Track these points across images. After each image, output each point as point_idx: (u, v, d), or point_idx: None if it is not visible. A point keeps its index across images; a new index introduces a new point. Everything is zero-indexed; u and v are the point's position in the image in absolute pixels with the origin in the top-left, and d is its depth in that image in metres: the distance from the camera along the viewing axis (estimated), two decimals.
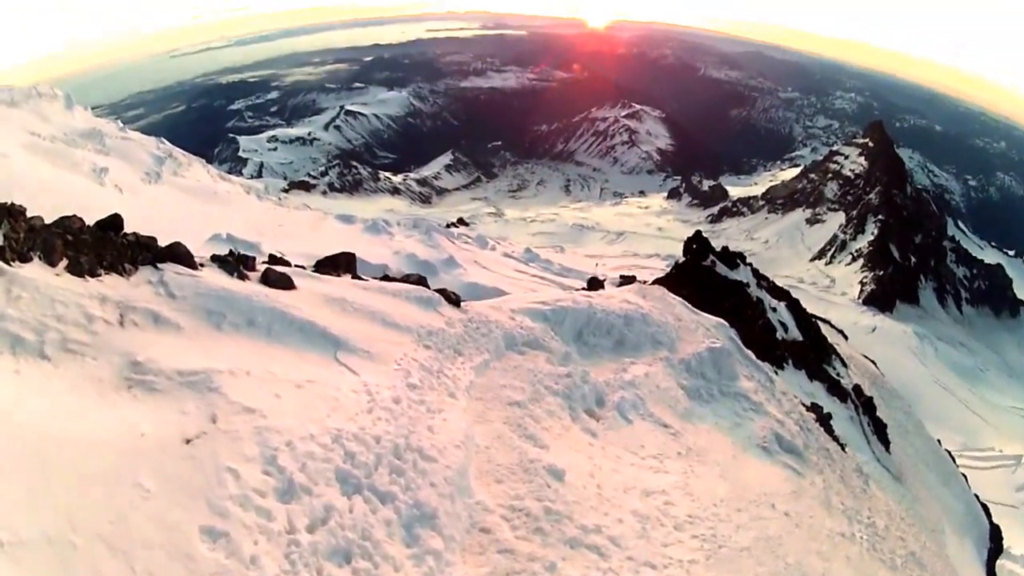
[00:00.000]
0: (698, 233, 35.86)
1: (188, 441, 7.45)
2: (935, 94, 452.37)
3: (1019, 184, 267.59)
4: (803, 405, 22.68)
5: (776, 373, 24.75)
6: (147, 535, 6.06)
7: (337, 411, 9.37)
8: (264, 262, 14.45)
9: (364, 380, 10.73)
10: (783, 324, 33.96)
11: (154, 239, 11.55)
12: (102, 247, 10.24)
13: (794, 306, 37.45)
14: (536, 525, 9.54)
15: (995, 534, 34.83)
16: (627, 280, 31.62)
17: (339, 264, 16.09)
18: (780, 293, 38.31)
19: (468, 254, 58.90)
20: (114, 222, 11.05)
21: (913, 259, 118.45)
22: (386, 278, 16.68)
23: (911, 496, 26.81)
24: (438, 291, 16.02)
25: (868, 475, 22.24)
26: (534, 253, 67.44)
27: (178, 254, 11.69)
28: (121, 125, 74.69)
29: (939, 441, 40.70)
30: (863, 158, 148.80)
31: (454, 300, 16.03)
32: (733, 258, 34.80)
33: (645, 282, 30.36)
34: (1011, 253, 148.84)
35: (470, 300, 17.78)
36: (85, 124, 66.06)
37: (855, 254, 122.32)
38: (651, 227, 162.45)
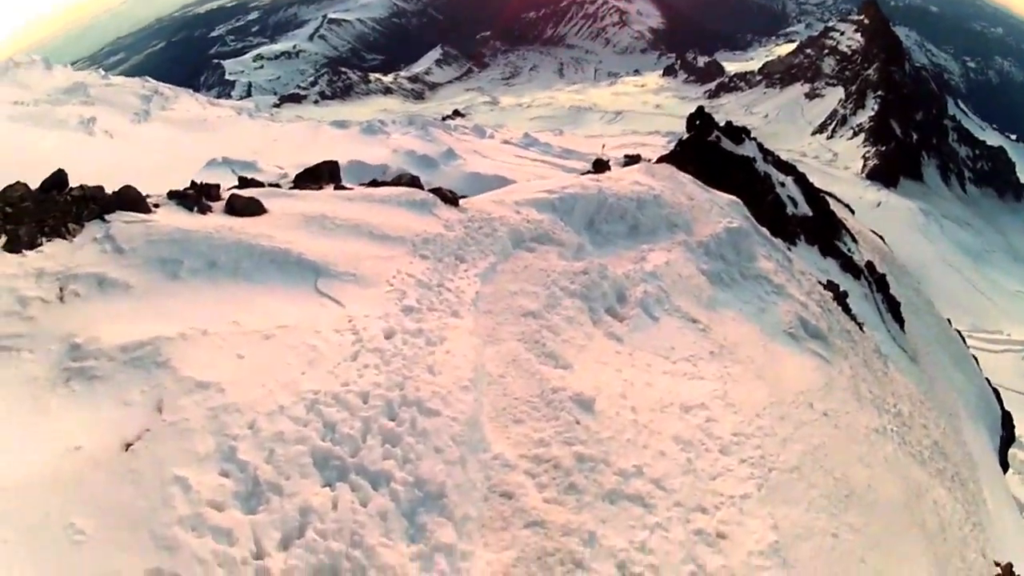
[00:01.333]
0: (700, 108, 33.25)
1: (128, 446, 5.84)
2: None
3: (1019, 70, 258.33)
4: (820, 284, 21.20)
5: (789, 250, 23.19)
6: None
7: (314, 365, 7.48)
8: (233, 187, 12.27)
9: (349, 313, 8.81)
10: (792, 199, 32.01)
11: (101, 188, 9.79)
12: (44, 211, 8.89)
13: (801, 180, 35.31)
14: (568, 480, 7.66)
15: (1007, 421, 33.12)
16: (632, 160, 29.10)
17: (320, 175, 13.88)
18: (786, 167, 36.06)
19: (467, 145, 57.37)
20: (58, 179, 9.56)
21: (915, 136, 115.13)
22: (374, 183, 14.46)
23: (927, 378, 25.17)
24: (433, 191, 13.84)
25: (887, 356, 21.04)
26: (533, 138, 65.09)
27: (128, 200, 9.78)
28: (103, 73, 73.93)
29: (949, 321, 38.45)
30: (859, 35, 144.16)
31: (451, 199, 13.84)
32: (738, 133, 32.37)
33: (650, 160, 28.11)
34: (1013, 137, 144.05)
35: (470, 196, 15.63)
36: (67, 81, 65.63)
37: (856, 129, 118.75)
38: (648, 105, 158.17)
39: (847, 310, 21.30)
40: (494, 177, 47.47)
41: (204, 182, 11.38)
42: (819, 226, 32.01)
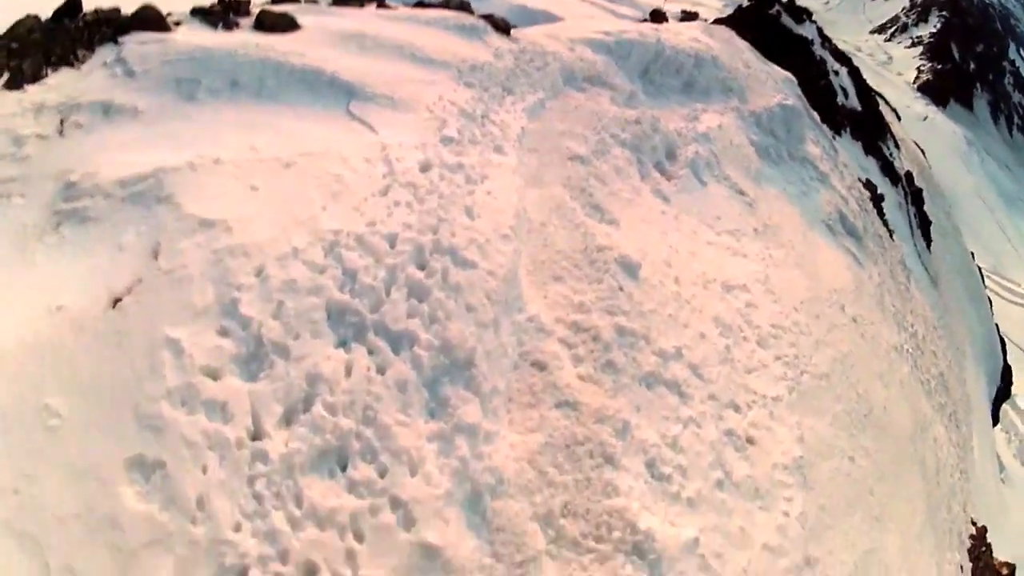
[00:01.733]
0: None
1: (117, 302, 5.03)
2: None
3: None
4: (860, 181, 20.05)
5: (835, 139, 21.49)
6: (58, 501, 4.07)
7: (338, 199, 6.51)
8: (265, 1, 10.86)
9: (383, 140, 7.76)
10: (844, 90, 29.66)
11: (117, 10, 8.73)
12: (53, 41, 8.01)
13: (855, 74, 32.69)
14: (606, 356, 6.76)
15: (1006, 373, 31.17)
16: (689, 16, 26.84)
17: None
18: (842, 58, 33.37)
19: None
20: (71, 5, 8.59)
21: (972, 65, 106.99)
22: (420, 4, 12.86)
23: (943, 304, 23.73)
24: (484, 17, 12.39)
25: (911, 271, 19.94)
26: None
27: (145, 19, 8.68)
28: None
29: (972, 255, 35.87)
30: None
31: (503, 27, 12.41)
32: (800, 12, 29.98)
33: (706, 20, 26.11)
34: None
35: (521, 28, 14.10)
36: None
37: (915, 40, 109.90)
38: None
39: (881, 214, 20.28)
40: (541, 12, 44.08)
41: None
42: (866, 123, 29.92)
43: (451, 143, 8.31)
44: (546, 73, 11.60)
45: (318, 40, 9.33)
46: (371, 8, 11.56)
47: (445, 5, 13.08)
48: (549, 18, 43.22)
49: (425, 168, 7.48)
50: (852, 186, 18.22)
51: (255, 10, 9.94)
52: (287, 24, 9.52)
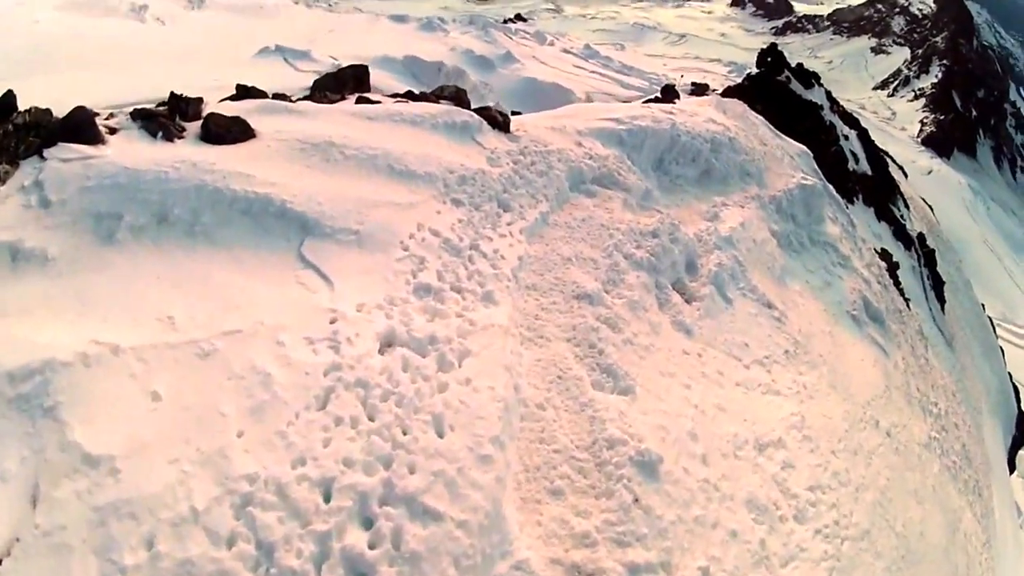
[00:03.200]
0: (774, 45, 30.33)
1: None
2: None
3: None
4: (875, 252, 18.99)
5: (848, 206, 20.40)
6: None
7: (261, 417, 4.78)
8: (226, 98, 9.29)
9: (336, 299, 6.02)
10: (854, 154, 28.96)
11: (48, 112, 7.38)
12: None
13: (864, 136, 32.21)
14: None
15: (1021, 422, 29.63)
16: (700, 89, 25.46)
17: (343, 82, 10.81)
18: (851, 120, 33.03)
19: (526, 49, 52.99)
20: (4, 104, 7.41)
21: (974, 112, 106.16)
22: (410, 96, 11.19)
23: (959, 366, 22.47)
24: (479, 111, 10.66)
25: (928, 339, 18.86)
26: (594, 50, 60.23)
27: (75, 126, 7.16)
28: None
29: (982, 306, 34.66)
30: (931, 0, 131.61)
31: (501, 123, 10.62)
32: (808, 77, 29.34)
33: (716, 91, 24.81)
34: None
35: (524, 108, 12.47)
36: None
37: (917, 92, 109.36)
38: (713, 32, 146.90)
39: (897, 284, 19.20)
40: (551, 85, 43.93)
41: (184, 95, 8.33)
42: (877, 187, 29.08)
43: (427, 295, 6.56)
44: (550, 179, 9.87)
45: (273, 153, 7.63)
46: (348, 103, 9.89)
47: (438, 95, 11.48)
48: (559, 90, 42.63)
49: (387, 345, 5.68)
50: (871, 263, 17.09)
51: (210, 108, 8.29)
52: (239, 131, 7.81)
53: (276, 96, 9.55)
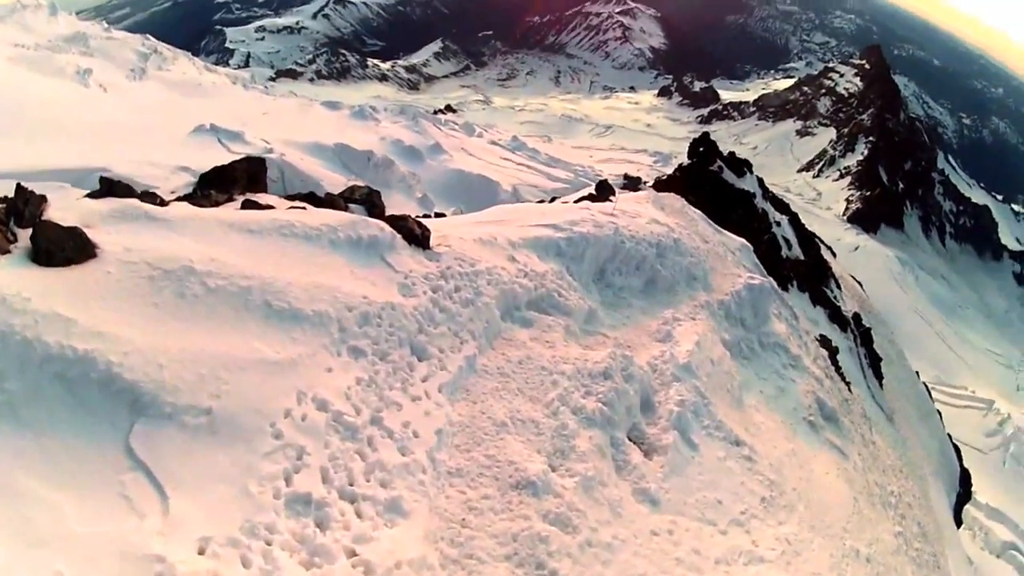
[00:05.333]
0: (705, 135, 28.84)
1: None
2: (935, 29, 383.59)
3: (1014, 132, 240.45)
4: (816, 340, 17.68)
5: (785, 293, 19.31)
6: None
7: None
8: (87, 195, 6.94)
9: (166, 546, 3.69)
10: (786, 240, 28.17)
11: None
12: None
13: (795, 221, 31.54)
14: None
15: (964, 478, 29.86)
16: (632, 183, 23.96)
17: (234, 178, 8.49)
18: (782, 206, 32.18)
19: (455, 141, 52.13)
20: None
21: (901, 185, 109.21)
22: (311, 199, 8.89)
23: (901, 438, 21.95)
24: (393, 222, 8.39)
25: (870, 419, 17.80)
26: (521, 142, 59.66)
27: None
28: (106, 26, 69.04)
29: (917, 373, 34.63)
30: (858, 79, 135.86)
31: (419, 237, 8.38)
32: (740, 165, 28.11)
33: (646, 183, 23.56)
34: (999, 197, 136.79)
35: (449, 219, 10.44)
36: (69, 29, 59.37)
37: (843, 171, 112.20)
38: (640, 123, 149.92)
39: (838, 369, 18.04)
40: (478, 176, 43.20)
41: (28, 192, 5.99)
42: (810, 271, 28.11)
43: (306, 512, 4.34)
44: (478, 309, 7.71)
45: (112, 284, 5.31)
46: (230, 208, 7.55)
47: (347, 197, 9.32)
48: (485, 182, 41.51)
49: None
50: (817, 356, 15.98)
51: (56, 212, 5.94)
52: (74, 249, 5.45)
53: (145, 195, 7.14)
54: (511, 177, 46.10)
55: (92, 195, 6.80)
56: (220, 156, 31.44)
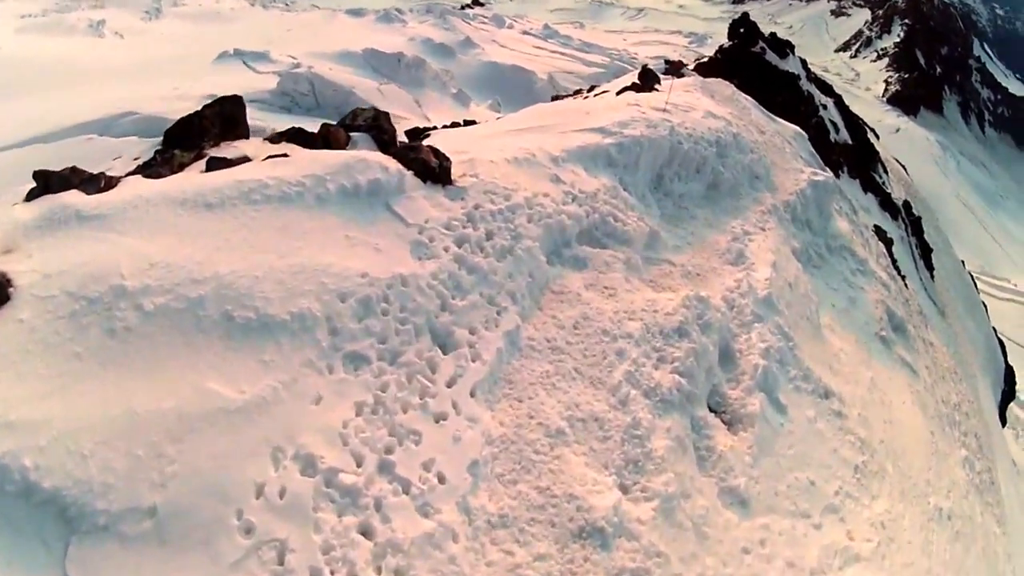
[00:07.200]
0: (745, 15, 26.65)
1: None
2: None
3: None
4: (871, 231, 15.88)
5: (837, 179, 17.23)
6: None
7: None
8: (16, 205, 5.61)
9: None
10: (834, 124, 26.16)
11: None
12: None
13: (840, 104, 29.29)
14: None
15: (1009, 375, 27.56)
16: (675, 67, 21.36)
17: (203, 129, 6.57)
18: (826, 88, 29.67)
19: (485, 34, 49.62)
20: None
21: (939, 68, 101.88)
22: (297, 138, 6.83)
23: (953, 334, 19.96)
24: (403, 154, 6.42)
25: (925, 316, 15.98)
26: (553, 29, 56.30)
27: None
28: None
29: (963, 263, 32.18)
30: None
31: (436, 170, 6.36)
32: (783, 46, 25.80)
33: (684, 65, 20.98)
34: None
35: (477, 130, 8.71)
36: None
37: (880, 52, 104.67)
38: (672, 4, 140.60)
39: (894, 262, 16.34)
40: (512, 67, 41.17)
41: None
42: (859, 156, 26.23)
43: None
44: (518, 259, 5.84)
45: (25, 337, 3.79)
46: (191, 173, 5.62)
47: (348, 125, 7.36)
48: (520, 72, 39.15)
49: None
50: (879, 254, 14.34)
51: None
52: None
53: (85, 181, 5.26)
54: (546, 65, 43.69)
55: (30, 194, 5.02)
56: (247, 79, 30.21)
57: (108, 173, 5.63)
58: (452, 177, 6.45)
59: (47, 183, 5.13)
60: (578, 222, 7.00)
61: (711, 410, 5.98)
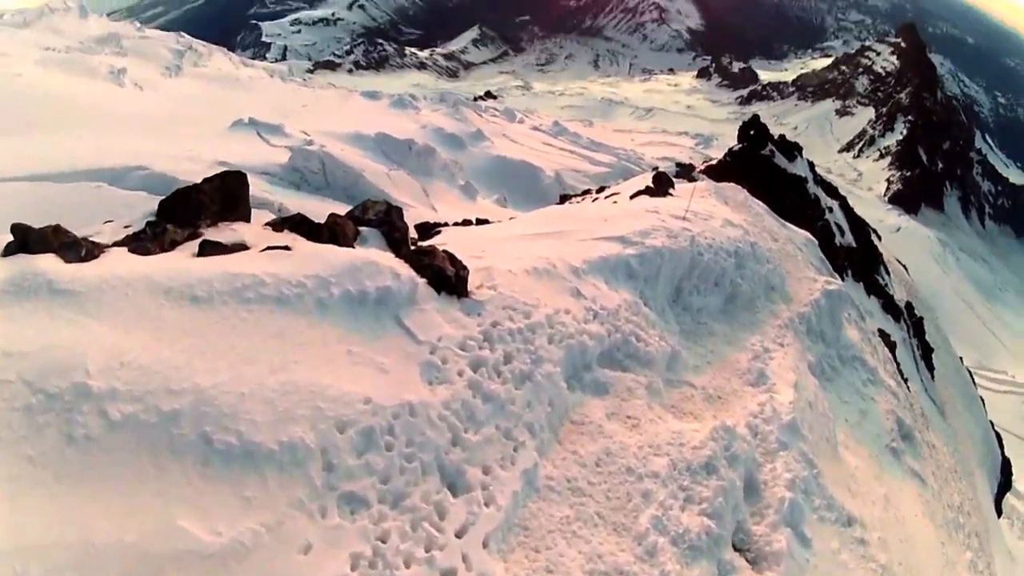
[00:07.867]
0: (756, 117, 26.81)
1: None
2: (966, 6, 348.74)
3: None
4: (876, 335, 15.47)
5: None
6: None
7: None
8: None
9: None
10: (839, 227, 26.03)
11: None
12: None
13: (844, 206, 29.21)
14: None
15: (1005, 467, 27.75)
16: (686, 171, 21.35)
17: (201, 204, 6.11)
18: (831, 190, 29.75)
19: (496, 127, 49.94)
20: None
21: (940, 164, 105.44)
22: (304, 226, 6.41)
23: (952, 432, 20.10)
24: (416, 259, 5.87)
25: (927, 418, 15.72)
26: (562, 126, 57.08)
27: None
28: (139, 25, 66.91)
29: (960, 359, 32.27)
30: (895, 57, 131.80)
31: (453, 280, 5.84)
32: (791, 149, 25.83)
33: (694, 168, 22.53)
34: None
35: (493, 230, 8.42)
36: (101, 30, 56.76)
37: (883, 151, 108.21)
38: (680, 104, 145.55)
39: (898, 367, 15.75)
40: (520, 162, 41.34)
41: None
42: (863, 259, 26.22)
43: None
44: (537, 385, 5.30)
45: None
46: (182, 256, 5.18)
47: (358, 217, 6.98)
48: (529, 168, 39.55)
49: None
50: (886, 360, 14.04)
51: None
52: None
53: (67, 246, 4.82)
54: (553, 162, 44.05)
55: (7, 249, 4.58)
56: (260, 150, 30.06)
57: (93, 238, 5.21)
58: (469, 288, 6.02)
59: (25, 240, 4.68)
60: (600, 342, 6.50)
61: (735, 548, 5.41)
